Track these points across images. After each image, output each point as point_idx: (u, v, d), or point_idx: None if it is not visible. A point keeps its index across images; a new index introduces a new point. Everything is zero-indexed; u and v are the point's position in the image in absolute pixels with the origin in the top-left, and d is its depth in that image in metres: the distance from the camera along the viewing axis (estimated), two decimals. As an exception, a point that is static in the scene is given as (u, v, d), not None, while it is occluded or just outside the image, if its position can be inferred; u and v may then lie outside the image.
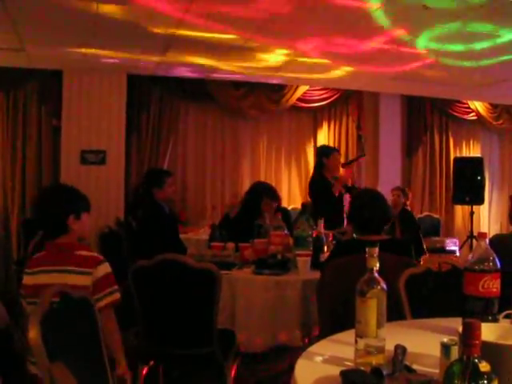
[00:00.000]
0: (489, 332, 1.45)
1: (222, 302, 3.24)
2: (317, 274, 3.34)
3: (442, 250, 8.66)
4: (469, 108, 9.25)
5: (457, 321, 2.03)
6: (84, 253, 2.50)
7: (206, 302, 2.90)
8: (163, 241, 4.40)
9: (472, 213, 8.90)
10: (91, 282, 2.40)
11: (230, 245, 4.29)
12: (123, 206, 7.15)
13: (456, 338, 1.53)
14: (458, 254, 8.78)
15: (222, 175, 8.26)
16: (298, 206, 8.53)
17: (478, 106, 9.19)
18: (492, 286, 2.01)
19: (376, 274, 1.70)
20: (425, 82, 7.77)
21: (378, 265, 1.73)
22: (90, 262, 2.45)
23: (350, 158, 8.72)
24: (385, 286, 1.70)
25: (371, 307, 1.66)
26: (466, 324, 1.13)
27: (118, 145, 7.28)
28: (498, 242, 3.34)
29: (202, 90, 7.80)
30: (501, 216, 9.89)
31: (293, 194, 8.74)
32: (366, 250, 1.73)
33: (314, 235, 4.00)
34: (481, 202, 8.85)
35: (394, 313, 2.70)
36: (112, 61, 6.72)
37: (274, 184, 8.13)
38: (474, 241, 8.81)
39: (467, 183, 8.74)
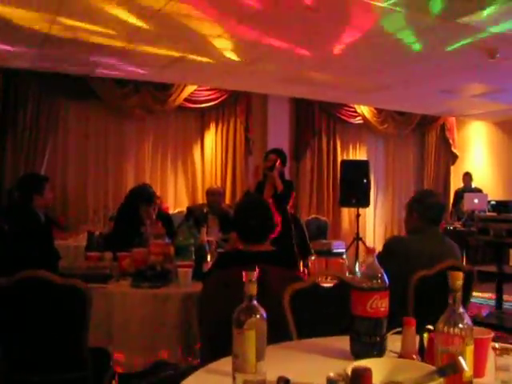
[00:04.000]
0: (378, 370, 1.28)
1: (96, 318, 2.95)
2: (199, 286, 3.12)
3: (329, 253, 8.74)
4: (355, 112, 9.40)
5: (346, 340, 1.88)
6: None
7: (75, 322, 2.59)
8: (34, 252, 4.00)
9: (358, 215, 9.05)
10: None
11: (108, 254, 3.96)
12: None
13: (343, 373, 1.35)
14: (344, 256, 8.90)
15: (105, 178, 7.84)
16: (184, 209, 8.30)
17: (364, 110, 9.36)
18: (380, 305, 1.88)
19: (255, 302, 1.49)
20: (312, 85, 7.77)
21: (255, 291, 1.51)
22: None
23: (238, 160, 8.64)
24: (264, 314, 1.50)
25: (249, 339, 1.47)
26: (356, 373, 0.95)
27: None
28: (395, 243, 3.28)
29: (84, 87, 7.35)
30: (385, 218, 10.14)
31: (179, 197, 8.48)
32: (243, 274, 1.51)
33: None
34: (366, 204, 9.01)
35: (281, 331, 2.55)
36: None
37: (159, 187, 7.91)
38: (359, 243, 8.96)
39: (353, 186, 8.87)
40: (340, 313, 2.52)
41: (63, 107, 7.55)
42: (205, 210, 6.55)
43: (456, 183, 10.40)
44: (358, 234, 9.04)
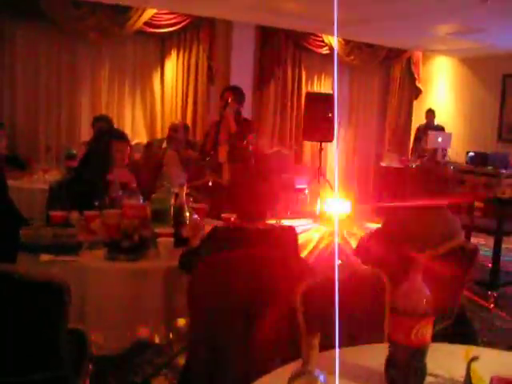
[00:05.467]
0: None
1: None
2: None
3: (292, 188, 8.59)
4: (323, 42, 9.00)
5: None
6: None
7: (51, 320, 2.27)
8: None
9: (321, 149, 8.83)
10: None
11: (74, 214, 3.59)
12: None
13: None
14: (306, 191, 8.76)
15: (58, 108, 7.28)
16: (143, 140, 7.91)
17: (332, 39, 8.94)
18: (426, 332, 1.65)
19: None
20: (281, 14, 7.29)
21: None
22: None
23: (200, 89, 8.21)
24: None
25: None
26: None
27: None
28: (395, 223, 3.05)
29: (33, 7, 6.62)
30: (347, 152, 9.96)
31: (137, 129, 8.03)
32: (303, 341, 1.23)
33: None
34: (330, 139, 8.78)
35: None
36: None
37: (116, 117, 7.45)
38: (321, 179, 8.80)
39: (318, 119, 8.60)
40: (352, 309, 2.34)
41: (9, 30, 6.83)
42: (163, 145, 6.21)
43: (418, 119, 10.23)
44: (320, 168, 8.87)
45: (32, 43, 7.05)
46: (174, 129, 6.18)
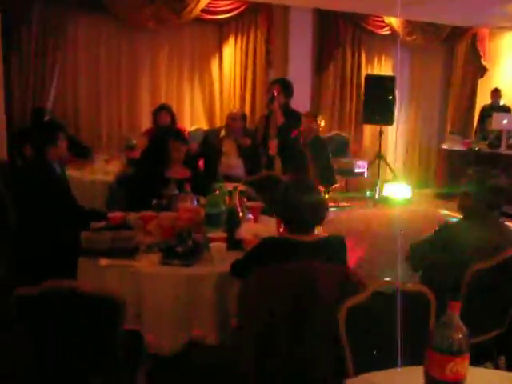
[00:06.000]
0: None
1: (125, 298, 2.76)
2: (234, 258, 2.94)
3: (351, 172, 8.54)
4: (383, 22, 8.79)
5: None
6: None
7: (106, 333, 2.39)
8: (56, 214, 3.78)
9: (381, 133, 8.72)
10: None
11: (132, 215, 3.72)
12: (5, 143, 6.19)
13: None
14: (366, 175, 8.69)
15: (119, 97, 7.45)
16: (202, 126, 8.00)
17: (393, 20, 8.74)
18: (462, 368, 1.67)
19: None
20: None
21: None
22: None
23: (259, 72, 8.21)
24: None
25: None
26: None
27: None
28: (448, 231, 3.00)
29: (93, -1, 6.79)
30: (407, 136, 9.78)
31: (196, 115, 8.12)
32: None
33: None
34: (391, 122, 8.67)
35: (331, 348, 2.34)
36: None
37: (175, 104, 7.55)
38: (381, 161, 8.70)
39: (378, 102, 8.49)
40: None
41: (71, 22, 7.02)
42: (221, 134, 6.26)
43: (483, 99, 9.87)
44: (380, 151, 8.77)
45: (92, 34, 7.21)
46: (232, 118, 6.21)
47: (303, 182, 2.81)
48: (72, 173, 5.73)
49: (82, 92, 7.25)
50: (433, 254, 2.92)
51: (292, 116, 5.44)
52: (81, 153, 6.31)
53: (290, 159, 5.34)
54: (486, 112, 9.30)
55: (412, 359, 2.03)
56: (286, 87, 5.50)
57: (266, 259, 2.63)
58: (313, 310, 2.45)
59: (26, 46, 6.67)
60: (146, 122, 7.29)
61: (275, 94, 5.36)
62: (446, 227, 3.04)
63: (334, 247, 2.76)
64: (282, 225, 2.79)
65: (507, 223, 3.08)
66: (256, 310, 2.52)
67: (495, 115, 8.73)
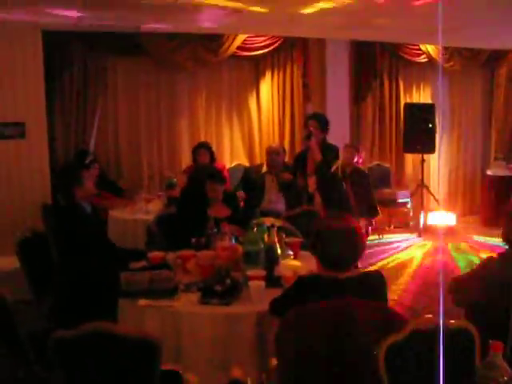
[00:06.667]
0: None
1: (164, 338, 2.74)
2: (273, 296, 2.90)
3: (394, 202, 8.42)
4: (419, 50, 8.73)
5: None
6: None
7: (143, 375, 2.38)
8: (90, 255, 3.83)
9: (423, 161, 8.61)
10: None
11: (171, 255, 3.74)
12: (49, 187, 6.32)
13: None
14: (409, 205, 8.56)
15: (159, 137, 7.55)
16: (242, 162, 8.04)
17: (429, 47, 8.68)
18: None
19: None
20: (375, 28, 7.17)
21: None
22: None
23: (297, 107, 8.23)
24: None
25: None
26: None
27: (38, 113, 6.34)
28: (490, 266, 2.87)
29: (131, 42, 6.94)
30: (450, 164, 9.61)
31: (235, 152, 8.16)
32: None
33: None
34: (432, 150, 8.55)
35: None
36: (22, 16, 5.78)
37: (214, 142, 7.63)
38: (424, 191, 8.57)
39: (418, 131, 8.40)
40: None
41: (111, 66, 7.21)
42: (263, 170, 6.27)
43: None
44: (422, 180, 8.64)
45: (132, 76, 7.36)
46: (271, 152, 6.24)
47: (340, 220, 2.76)
48: (113, 213, 5.85)
49: (123, 133, 7.37)
50: (475, 290, 2.81)
51: (329, 150, 5.40)
52: (112, 190, 6.44)
53: (328, 194, 5.28)
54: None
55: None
56: (321, 122, 5.47)
57: (304, 297, 2.59)
58: (352, 349, 2.38)
59: (69, 88, 6.86)
60: (186, 161, 7.38)
61: (311, 130, 5.34)
62: (489, 262, 2.92)
63: (373, 283, 2.70)
64: (318, 261, 2.75)
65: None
66: (293, 350, 2.47)
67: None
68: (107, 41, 6.86)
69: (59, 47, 6.65)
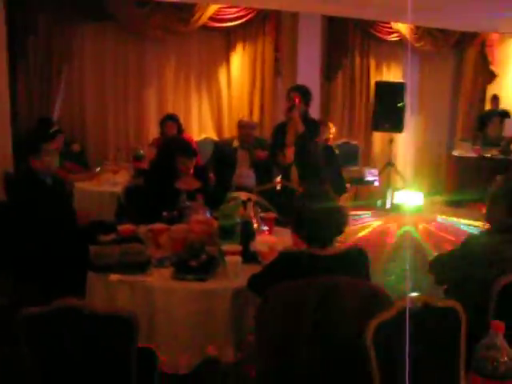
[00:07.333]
0: None
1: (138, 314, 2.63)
2: (249, 272, 2.83)
3: (361, 181, 8.41)
4: (391, 28, 8.68)
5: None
6: None
7: (119, 354, 2.27)
8: (51, 227, 3.68)
9: (391, 140, 8.62)
10: None
11: (142, 228, 3.61)
12: (10, 156, 6.06)
13: None
14: (376, 183, 8.56)
15: (126, 107, 7.34)
16: (210, 136, 7.91)
17: (401, 26, 8.63)
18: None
19: None
20: (349, 4, 7.06)
21: None
22: None
23: (267, 81, 8.11)
24: None
25: None
26: None
27: (0, 80, 6.06)
28: (476, 245, 2.83)
29: (99, 8, 6.68)
30: (417, 143, 9.64)
31: (204, 124, 8.01)
32: None
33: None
34: (401, 129, 8.55)
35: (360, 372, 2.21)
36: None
37: (183, 114, 7.45)
38: (391, 169, 8.59)
39: (387, 109, 8.38)
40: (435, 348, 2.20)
41: (77, 32, 6.92)
42: (234, 144, 6.17)
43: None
44: (390, 159, 8.66)
45: (99, 44, 7.11)
46: (246, 126, 6.12)
47: (321, 193, 2.68)
48: (79, 185, 5.67)
49: (89, 102, 7.14)
50: (458, 268, 2.77)
51: (312, 125, 5.29)
52: (79, 160, 6.26)
53: (307, 169, 5.19)
54: (487, 118, 9.20)
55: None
56: (305, 95, 5.33)
57: (285, 274, 2.51)
58: (337, 326, 2.32)
59: (33, 56, 6.58)
60: (153, 132, 7.19)
61: (296, 102, 5.19)
62: (472, 241, 2.89)
63: (356, 260, 2.63)
64: (300, 238, 2.67)
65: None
66: (277, 326, 2.40)
67: (508, 121, 8.66)
68: (73, 5, 6.58)
69: (22, 12, 6.35)
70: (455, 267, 2.78)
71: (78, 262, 3.29)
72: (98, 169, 6.04)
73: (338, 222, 2.58)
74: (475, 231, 6.74)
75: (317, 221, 2.54)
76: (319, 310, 2.33)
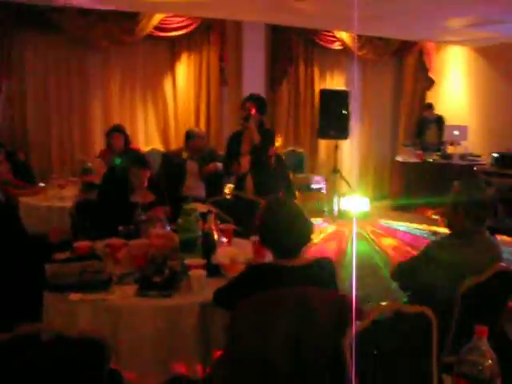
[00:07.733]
0: None
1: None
2: (213, 286, 2.79)
3: (308, 188, 8.48)
4: (334, 37, 8.82)
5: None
6: None
7: (90, 378, 2.18)
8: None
9: (336, 147, 8.73)
10: None
11: (99, 244, 3.51)
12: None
13: None
14: (324, 191, 8.65)
15: (70, 119, 7.17)
16: (156, 147, 7.83)
17: (344, 35, 8.78)
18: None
19: None
20: (293, 14, 7.13)
21: None
22: None
23: (213, 91, 8.10)
24: None
25: None
26: None
27: None
28: (438, 250, 2.89)
29: (42, 17, 6.51)
30: (362, 150, 9.80)
31: (150, 134, 7.92)
32: None
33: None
34: (346, 136, 8.67)
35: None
36: None
37: (128, 124, 7.34)
38: (337, 175, 8.69)
39: (332, 117, 8.49)
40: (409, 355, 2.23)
41: (18, 41, 6.72)
42: (183, 155, 6.10)
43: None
44: (335, 166, 8.76)
45: (41, 53, 6.94)
46: (196, 136, 6.06)
47: (285, 204, 2.68)
48: (24, 199, 5.47)
49: (31, 114, 6.93)
50: (422, 274, 2.83)
51: (267, 134, 5.27)
52: (27, 178, 6.04)
53: (263, 178, 5.17)
54: (424, 125, 9.47)
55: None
56: (261, 105, 5.30)
57: (254, 287, 2.48)
58: (311, 337, 2.31)
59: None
60: (99, 144, 7.04)
61: (253, 112, 5.16)
62: (434, 246, 2.95)
63: (323, 270, 2.63)
64: (268, 249, 2.65)
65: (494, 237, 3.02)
66: (250, 339, 2.37)
67: (447, 127, 8.95)
68: (15, 14, 6.38)
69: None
70: (419, 273, 2.83)
71: (31, 283, 3.17)
72: (43, 184, 5.85)
73: (304, 231, 2.58)
74: (424, 234, 6.93)
75: (283, 231, 2.53)
76: (291, 322, 2.31)
